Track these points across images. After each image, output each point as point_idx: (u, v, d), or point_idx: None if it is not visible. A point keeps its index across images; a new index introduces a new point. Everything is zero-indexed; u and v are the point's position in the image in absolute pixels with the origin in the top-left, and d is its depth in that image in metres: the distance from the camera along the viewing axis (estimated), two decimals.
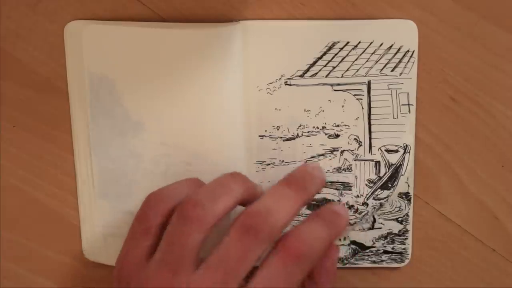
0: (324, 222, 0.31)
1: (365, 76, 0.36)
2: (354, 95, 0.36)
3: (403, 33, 0.36)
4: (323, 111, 0.36)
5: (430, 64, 0.36)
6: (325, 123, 0.36)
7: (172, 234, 0.29)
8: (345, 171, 0.37)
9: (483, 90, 0.37)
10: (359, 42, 0.36)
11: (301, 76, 0.36)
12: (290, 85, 0.36)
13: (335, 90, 0.36)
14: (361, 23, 0.36)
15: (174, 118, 0.35)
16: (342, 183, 0.37)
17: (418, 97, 0.36)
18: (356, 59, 0.36)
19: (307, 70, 0.36)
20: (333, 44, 0.36)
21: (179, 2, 0.36)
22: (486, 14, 0.36)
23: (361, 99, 0.36)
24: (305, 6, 0.36)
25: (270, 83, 0.36)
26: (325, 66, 0.36)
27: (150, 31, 0.35)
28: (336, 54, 0.36)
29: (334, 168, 0.37)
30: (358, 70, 0.36)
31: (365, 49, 0.36)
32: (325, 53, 0.36)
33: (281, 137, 0.37)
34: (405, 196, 0.37)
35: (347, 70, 0.36)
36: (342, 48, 0.36)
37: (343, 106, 0.36)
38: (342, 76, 0.36)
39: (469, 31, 0.36)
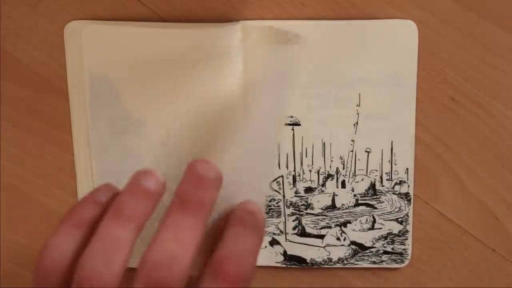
0: (250, 231, 0.26)
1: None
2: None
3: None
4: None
5: (430, 64, 0.36)
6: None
7: None
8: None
9: (483, 90, 0.37)
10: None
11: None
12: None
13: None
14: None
15: (174, 118, 0.35)
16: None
17: (418, 97, 0.36)
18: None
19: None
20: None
21: (179, 2, 0.36)
22: (486, 14, 0.36)
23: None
24: (305, 6, 0.36)
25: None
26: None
27: (150, 31, 0.35)
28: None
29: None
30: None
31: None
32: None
33: None
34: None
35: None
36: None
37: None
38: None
39: (469, 31, 0.36)
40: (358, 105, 0.36)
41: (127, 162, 0.36)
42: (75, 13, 0.36)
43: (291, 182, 0.37)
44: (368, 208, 0.37)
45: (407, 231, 0.38)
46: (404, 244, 0.38)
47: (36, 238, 0.38)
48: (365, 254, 0.38)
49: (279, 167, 0.37)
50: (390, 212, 0.37)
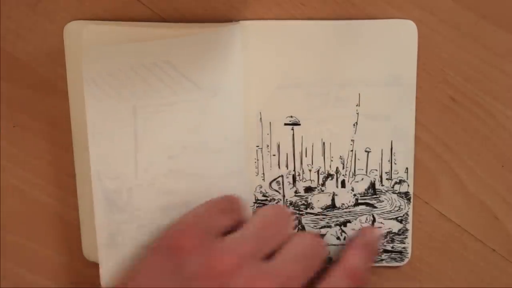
0: (368, 254, 0.35)
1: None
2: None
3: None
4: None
5: (430, 64, 0.36)
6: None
7: None
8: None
9: (483, 90, 0.37)
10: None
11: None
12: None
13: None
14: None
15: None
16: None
17: (418, 97, 0.36)
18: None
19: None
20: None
21: (179, 2, 0.36)
22: (486, 14, 0.36)
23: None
24: (305, 6, 0.36)
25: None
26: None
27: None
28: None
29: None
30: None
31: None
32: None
33: None
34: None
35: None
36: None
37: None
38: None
39: (469, 31, 0.36)
40: (358, 105, 0.36)
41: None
42: (75, 13, 0.36)
43: (291, 182, 0.37)
44: (368, 208, 0.37)
45: (406, 229, 0.38)
46: (404, 243, 0.38)
47: (36, 238, 0.38)
48: None
49: (279, 167, 0.37)
50: (390, 211, 0.37)
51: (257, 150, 0.37)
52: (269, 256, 0.31)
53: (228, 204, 0.34)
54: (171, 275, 0.29)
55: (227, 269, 0.29)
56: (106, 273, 0.34)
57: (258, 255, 0.31)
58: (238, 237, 0.31)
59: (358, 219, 0.38)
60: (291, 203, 0.37)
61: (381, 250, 0.38)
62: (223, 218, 0.33)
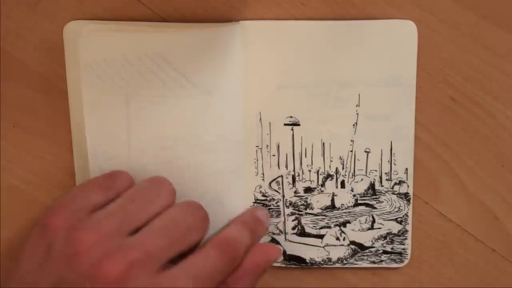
0: (249, 231, 0.34)
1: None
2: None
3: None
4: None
5: (430, 64, 0.36)
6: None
7: None
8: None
9: (483, 90, 0.37)
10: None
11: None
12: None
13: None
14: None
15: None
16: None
17: (418, 97, 0.37)
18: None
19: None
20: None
21: (179, 2, 0.36)
22: (486, 14, 0.36)
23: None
24: (305, 6, 0.36)
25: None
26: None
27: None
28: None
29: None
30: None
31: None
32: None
33: None
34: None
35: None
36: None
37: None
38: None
39: (469, 31, 0.36)
40: (358, 105, 0.36)
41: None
42: (74, 13, 0.36)
43: (291, 182, 0.37)
44: (367, 208, 0.37)
45: (406, 230, 0.38)
46: (404, 244, 0.38)
47: None
48: (365, 254, 0.38)
49: (279, 167, 0.37)
50: (390, 212, 0.37)
51: (256, 150, 0.37)
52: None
53: (107, 180, 0.32)
54: (44, 256, 0.29)
55: (84, 247, 0.28)
56: None
57: (124, 230, 0.29)
58: (104, 213, 0.30)
59: (357, 220, 0.38)
60: (290, 203, 0.37)
61: (380, 251, 0.38)
62: (98, 195, 0.31)
